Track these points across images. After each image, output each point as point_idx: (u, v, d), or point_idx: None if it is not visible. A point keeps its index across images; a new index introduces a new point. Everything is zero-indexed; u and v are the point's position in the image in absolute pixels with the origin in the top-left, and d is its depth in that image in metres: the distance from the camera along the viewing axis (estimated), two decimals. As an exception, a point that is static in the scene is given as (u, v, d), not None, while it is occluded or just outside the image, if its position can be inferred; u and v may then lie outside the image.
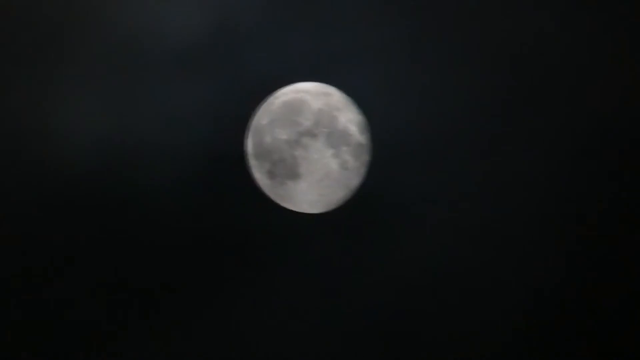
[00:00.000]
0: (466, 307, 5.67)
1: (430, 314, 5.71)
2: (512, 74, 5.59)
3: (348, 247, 5.88)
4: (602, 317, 5.52)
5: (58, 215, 5.67)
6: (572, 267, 5.57)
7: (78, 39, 5.51)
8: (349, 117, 5.42)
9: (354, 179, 5.53)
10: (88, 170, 5.68)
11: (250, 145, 5.56)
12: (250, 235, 5.88)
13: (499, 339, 5.65)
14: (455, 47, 5.59)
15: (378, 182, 5.72)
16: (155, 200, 5.76)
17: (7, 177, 5.61)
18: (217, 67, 5.74)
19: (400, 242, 5.83)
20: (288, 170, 5.25)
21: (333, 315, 5.78)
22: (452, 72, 5.67)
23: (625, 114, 5.46)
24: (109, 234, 5.70)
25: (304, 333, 5.76)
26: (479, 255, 5.70)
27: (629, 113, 5.46)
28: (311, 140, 5.18)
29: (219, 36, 5.66)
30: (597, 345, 5.52)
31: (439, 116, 5.76)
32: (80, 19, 5.51)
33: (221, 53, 5.71)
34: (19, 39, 5.49)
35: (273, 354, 5.75)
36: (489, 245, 5.69)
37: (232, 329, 5.78)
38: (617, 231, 5.53)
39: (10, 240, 5.62)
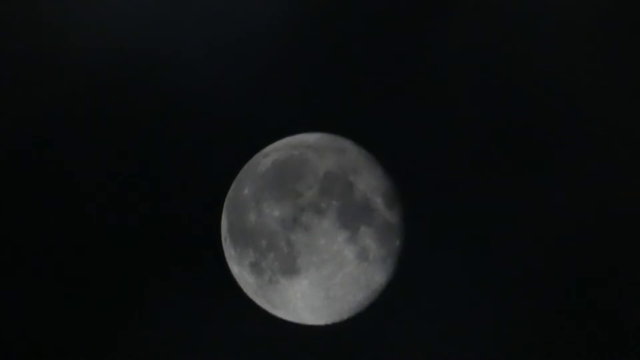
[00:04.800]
0: None
1: None
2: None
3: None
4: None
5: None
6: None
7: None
8: (371, 184, 4.75)
9: (379, 275, 4.80)
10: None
11: (225, 225, 4.96)
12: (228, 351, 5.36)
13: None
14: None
15: (413, 278, 5.07)
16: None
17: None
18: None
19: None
20: (282, 263, 4.61)
21: None
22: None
23: None
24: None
25: None
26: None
27: None
28: (316, 217, 4.53)
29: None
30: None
31: (494, 180, 5.23)
32: None
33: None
34: None
35: None
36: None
37: None
38: None
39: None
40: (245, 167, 4.98)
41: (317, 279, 4.59)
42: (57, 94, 5.58)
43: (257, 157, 4.97)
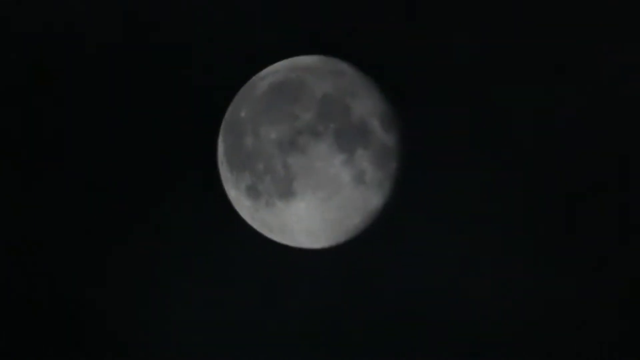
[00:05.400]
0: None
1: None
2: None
3: (362, 297, 5.35)
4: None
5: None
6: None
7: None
8: (368, 107, 4.74)
9: (375, 198, 4.83)
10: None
11: (222, 148, 4.97)
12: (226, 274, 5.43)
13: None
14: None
15: (409, 201, 5.08)
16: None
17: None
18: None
19: (435, 291, 5.33)
20: (278, 186, 4.65)
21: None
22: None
23: None
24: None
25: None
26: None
27: None
28: (313, 140, 4.54)
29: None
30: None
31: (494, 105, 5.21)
32: None
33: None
34: None
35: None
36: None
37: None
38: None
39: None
40: (242, 89, 4.96)
41: (314, 202, 4.61)
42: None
43: (254, 79, 4.93)
